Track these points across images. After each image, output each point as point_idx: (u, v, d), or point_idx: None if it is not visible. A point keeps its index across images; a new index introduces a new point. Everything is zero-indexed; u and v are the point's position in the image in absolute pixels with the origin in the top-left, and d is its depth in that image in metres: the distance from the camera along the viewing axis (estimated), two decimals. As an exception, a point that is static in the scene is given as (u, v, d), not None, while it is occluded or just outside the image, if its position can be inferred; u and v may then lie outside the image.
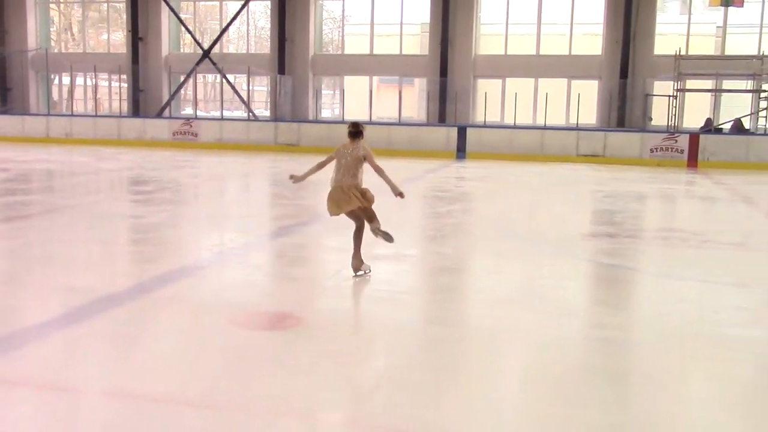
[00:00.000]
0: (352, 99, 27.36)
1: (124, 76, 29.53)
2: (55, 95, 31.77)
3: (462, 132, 23.31)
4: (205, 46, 28.31)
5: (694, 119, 24.66)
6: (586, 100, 25.04)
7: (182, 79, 28.62)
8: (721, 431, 3.83)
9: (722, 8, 24.40)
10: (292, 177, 7.05)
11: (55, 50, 31.30)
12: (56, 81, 31.58)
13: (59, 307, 5.63)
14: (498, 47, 26.72)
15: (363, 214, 6.67)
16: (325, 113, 29.57)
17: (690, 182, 18.09)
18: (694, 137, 21.66)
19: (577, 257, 8.19)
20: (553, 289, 6.66)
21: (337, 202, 6.59)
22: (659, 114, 24.26)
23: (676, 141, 21.61)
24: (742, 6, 23.73)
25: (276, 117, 27.46)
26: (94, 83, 30.55)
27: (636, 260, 8.35)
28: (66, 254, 7.75)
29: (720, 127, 23.57)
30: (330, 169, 6.75)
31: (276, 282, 6.94)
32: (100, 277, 6.72)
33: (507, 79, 26.39)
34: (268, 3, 28.57)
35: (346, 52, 28.89)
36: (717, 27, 25.62)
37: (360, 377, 4.42)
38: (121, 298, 5.89)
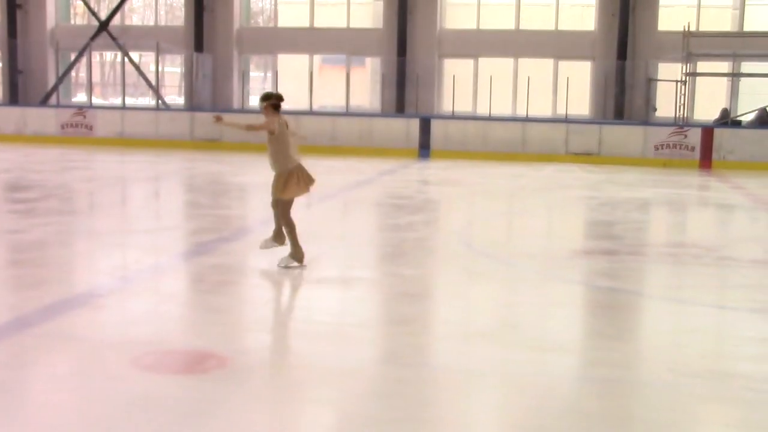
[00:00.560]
0: (288, 83, 27.29)
1: (-3, 54, 29.13)
2: None
3: (425, 124, 23.45)
4: (102, 16, 28.01)
5: (707, 110, 25.15)
6: (576, 85, 25.37)
7: (73, 57, 28.29)
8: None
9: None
10: (216, 116, 8.21)
11: None
12: None
13: None
14: (469, 20, 26.98)
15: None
16: (254, 101, 29.46)
17: (703, 186, 18.44)
18: (707, 132, 22.05)
19: (566, 279, 8.25)
20: (538, 319, 6.70)
21: (305, 181, 7.95)
22: (665, 103, 24.68)
23: (686, 136, 22.01)
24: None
25: (192, 105, 27.29)
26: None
27: (639, 282, 8.45)
28: None
29: (738, 119, 24.03)
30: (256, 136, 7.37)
31: (193, 313, 6.87)
32: (-33, 308, 6.58)
33: (480, 59, 26.65)
34: (182, -37, 28.49)
35: (280, 24, 28.84)
36: (734, -3, 26.17)
37: (299, 432, 4.40)
38: (-6, 335, 5.79)
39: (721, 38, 24.42)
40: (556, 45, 26.24)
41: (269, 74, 29.18)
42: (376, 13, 27.44)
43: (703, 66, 24.65)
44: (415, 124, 23.54)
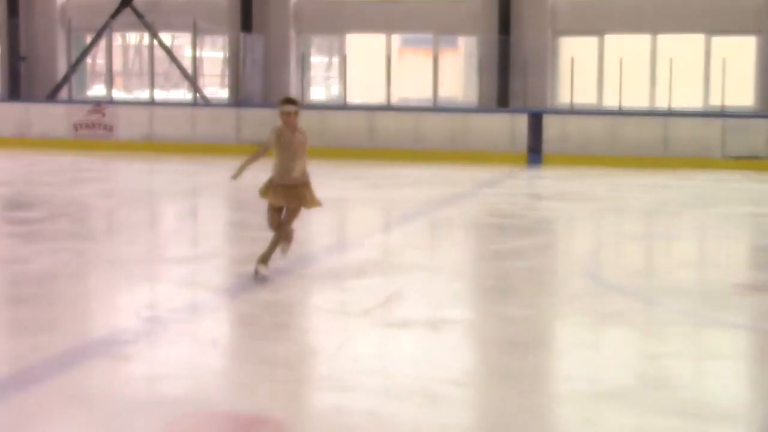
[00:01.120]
0: (359, 70, 27.43)
1: (-5, 36, 29.83)
2: None
3: (536, 122, 23.41)
4: (126, -13, 28.56)
5: None
6: (736, 67, 24.97)
7: (89, 40, 28.75)
8: None
9: None
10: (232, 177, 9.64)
11: None
12: None
13: None
14: (593, -14, 26.88)
15: (290, 215, 9.27)
16: (317, 93, 29.72)
17: None
18: None
19: (728, 323, 8.15)
20: (692, 376, 6.64)
21: (283, 195, 9.19)
22: None
23: None
24: None
25: (238, 100, 27.61)
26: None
27: (824, 327, 8.29)
28: None
29: None
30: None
31: (241, 366, 6.92)
32: (-41, 358, 6.73)
33: (606, 36, 26.49)
34: None
35: (350, -5, 29.13)
36: None
37: None
38: (-8, 392, 5.90)
39: None
40: (710, 15, 25.84)
41: (335, 59, 29.36)
42: (472, -21, 27.51)
43: None
44: (522, 122, 23.51)
